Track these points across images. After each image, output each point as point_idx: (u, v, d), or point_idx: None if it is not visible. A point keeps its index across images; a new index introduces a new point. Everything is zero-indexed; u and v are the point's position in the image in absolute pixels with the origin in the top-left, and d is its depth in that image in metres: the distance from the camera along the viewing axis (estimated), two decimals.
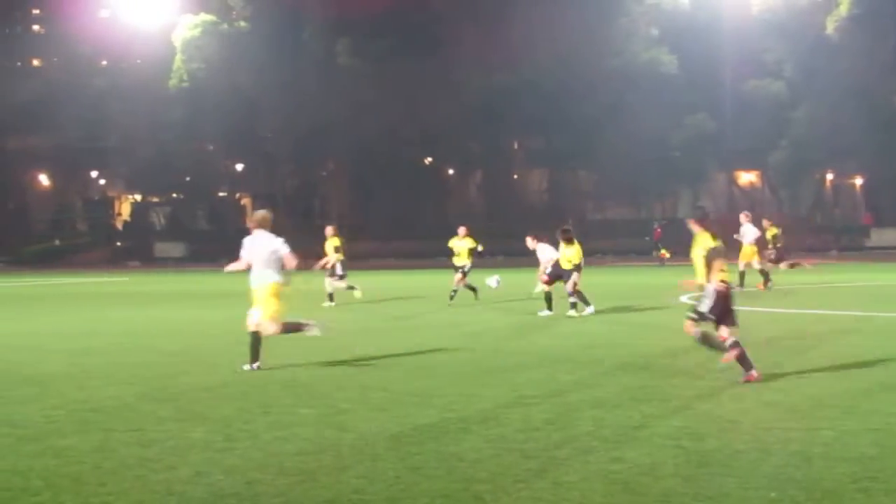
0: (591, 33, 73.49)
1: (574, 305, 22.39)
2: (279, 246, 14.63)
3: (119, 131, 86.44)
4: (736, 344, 12.30)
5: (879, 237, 73.69)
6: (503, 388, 12.15)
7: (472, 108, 76.69)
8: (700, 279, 12.68)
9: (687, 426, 9.62)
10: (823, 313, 22.45)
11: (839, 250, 68.70)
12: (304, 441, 9.25)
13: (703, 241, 12.79)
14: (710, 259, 12.52)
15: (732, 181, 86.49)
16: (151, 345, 16.94)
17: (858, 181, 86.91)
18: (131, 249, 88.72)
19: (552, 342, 17.43)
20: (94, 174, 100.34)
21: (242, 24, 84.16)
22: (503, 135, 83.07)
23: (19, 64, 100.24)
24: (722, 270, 12.48)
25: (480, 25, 74.53)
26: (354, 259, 73.06)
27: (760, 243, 31.79)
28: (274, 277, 14.47)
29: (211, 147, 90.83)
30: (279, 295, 14.48)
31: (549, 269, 22.81)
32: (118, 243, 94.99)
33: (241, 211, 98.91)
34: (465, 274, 27.12)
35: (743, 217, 32.17)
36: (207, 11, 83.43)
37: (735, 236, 31.14)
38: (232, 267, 15.15)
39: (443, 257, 65.65)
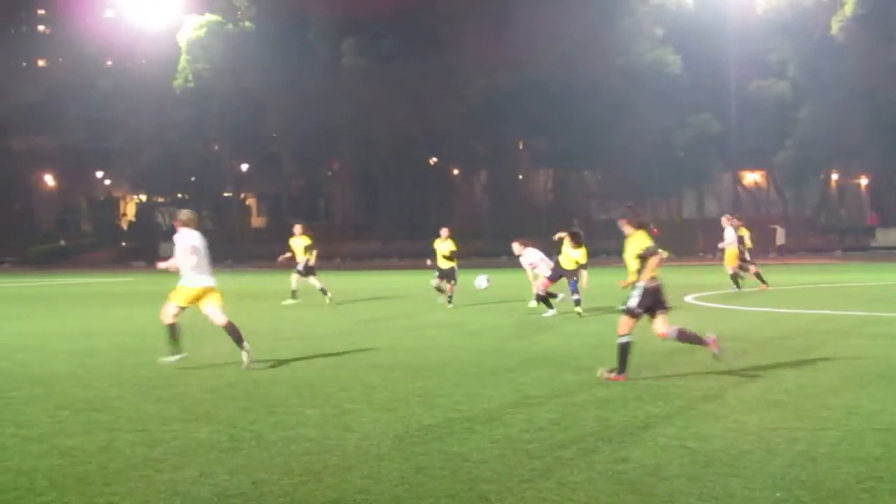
0: (595, 33, 73.42)
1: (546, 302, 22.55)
2: (203, 246, 14.79)
3: (124, 132, 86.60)
4: (680, 331, 12.76)
5: (885, 237, 73.58)
6: (507, 389, 12.15)
7: (476, 108, 76.68)
8: (633, 278, 12.85)
9: (692, 426, 9.62)
10: (828, 313, 22.43)
11: (844, 250, 68.68)
12: (309, 441, 9.25)
13: (638, 241, 12.93)
14: (646, 256, 12.69)
15: (737, 181, 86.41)
16: (156, 345, 16.91)
17: (864, 181, 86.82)
18: (136, 250, 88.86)
19: (556, 342, 17.42)
20: (99, 174, 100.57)
21: (248, 24, 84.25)
22: (508, 135, 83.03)
23: (24, 64, 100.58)
24: (654, 268, 12.65)
25: (484, 25, 74.46)
26: (359, 259, 73.62)
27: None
28: (205, 278, 14.69)
29: (216, 147, 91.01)
30: (209, 295, 14.70)
31: (548, 273, 22.84)
32: (123, 243, 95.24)
33: (247, 211, 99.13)
34: (452, 278, 26.41)
35: (724, 220, 32.20)
36: (213, 12, 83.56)
37: (720, 245, 31.40)
38: (164, 264, 15.31)
39: None
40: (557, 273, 22.70)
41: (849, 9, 70.46)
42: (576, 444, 8.95)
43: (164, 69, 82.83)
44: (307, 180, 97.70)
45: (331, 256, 76.65)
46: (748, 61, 73.27)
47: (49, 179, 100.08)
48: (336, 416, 10.49)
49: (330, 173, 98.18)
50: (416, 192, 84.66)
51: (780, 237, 66.89)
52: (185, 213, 15.04)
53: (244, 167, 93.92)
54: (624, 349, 12.70)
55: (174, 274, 14.71)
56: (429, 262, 27.34)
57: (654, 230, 61.58)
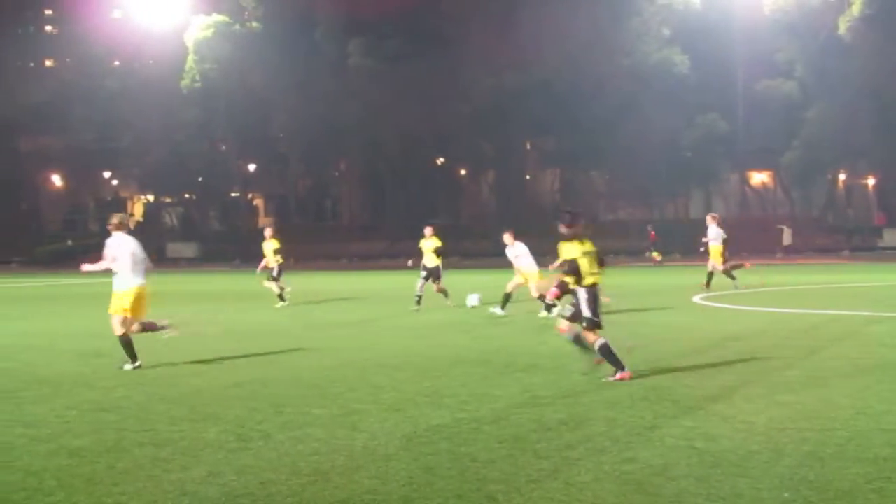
0: (602, 33, 73.33)
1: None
2: (138, 248, 15.12)
3: (131, 132, 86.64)
4: (604, 345, 12.79)
5: (892, 237, 73.31)
6: (515, 389, 12.16)
7: (483, 108, 76.59)
8: (551, 279, 13.04)
9: (699, 427, 9.62)
10: (835, 313, 22.40)
11: (851, 251, 68.51)
12: (316, 441, 9.27)
13: (565, 251, 13.03)
14: (563, 268, 12.92)
15: (745, 181, 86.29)
16: (163, 345, 16.95)
17: (871, 181, 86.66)
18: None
19: (564, 342, 17.39)
20: (106, 174, 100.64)
21: (255, 24, 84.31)
22: (515, 135, 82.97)
23: (32, 64, 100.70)
24: (592, 273, 12.80)
25: (491, 25, 74.40)
26: (367, 259, 73.57)
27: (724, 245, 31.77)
28: (139, 280, 14.90)
29: (223, 147, 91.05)
30: (143, 296, 14.95)
31: (534, 268, 23.12)
32: None
33: (254, 211, 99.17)
34: (437, 277, 26.23)
35: (709, 219, 32.32)
36: (220, 12, 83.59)
37: (703, 240, 31.66)
38: (91, 267, 15.56)
39: (455, 257, 65.99)
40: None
41: (856, 9, 70.28)
42: (583, 444, 8.95)
43: (171, 69, 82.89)
44: (314, 180, 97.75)
45: (338, 257, 76.70)
46: (755, 61, 73.11)
47: (56, 180, 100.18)
48: (344, 417, 10.51)
49: (337, 173, 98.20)
50: (424, 192, 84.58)
51: (787, 237, 66.79)
52: (117, 217, 15.34)
53: (251, 167, 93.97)
54: (606, 350, 12.79)
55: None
56: (409, 262, 27.24)
57: (651, 233, 61.11)
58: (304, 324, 22.38)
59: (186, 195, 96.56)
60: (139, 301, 14.87)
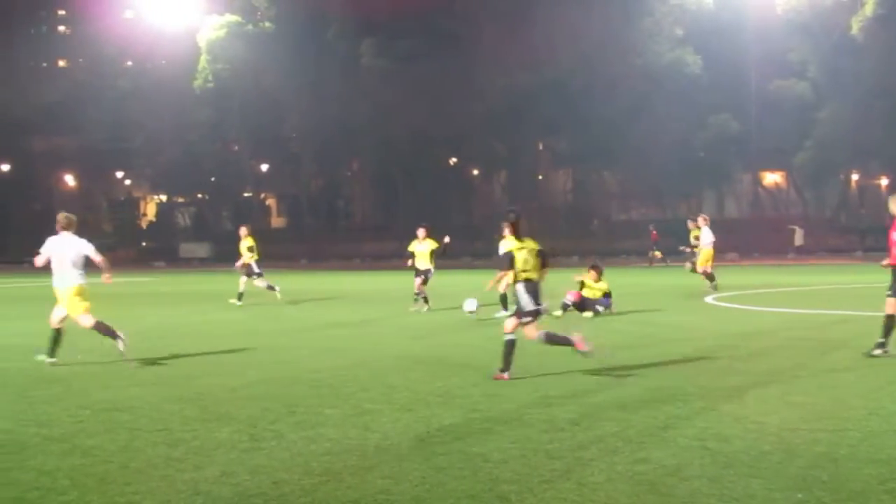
0: (614, 33, 73.36)
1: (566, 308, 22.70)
2: (85, 247, 15.48)
3: (144, 132, 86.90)
4: (547, 334, 13.41)
5: None
6: (527, 389, 12.15)
7: (495, 108, 76.64)
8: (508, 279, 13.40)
9: (712, 427, 9.61)
10: (847, 314, 22.35)
11: (864, 251, 68.33)
12: (329, 441, 9.27)
13: (506, 244, 13.54)
14: (509, 254, 13.22)
15: (757, 182, 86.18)
16: (176, 345, 16.98)
17: (884, 181, 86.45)
18: (156, 250, 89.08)
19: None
20: (119, 174, 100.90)
21: (267, 24, 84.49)
22: (527, 135, 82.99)
23: (45, 65, 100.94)
24: (525, 271, 13.14)
25: (503, 25, 74.47)
26: (378, 259, 73.54)
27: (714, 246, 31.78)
28: (79, 279, 15.41)
29: (236, 147, 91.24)
30: (84, 294, 15.47)
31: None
32: (143, 244, 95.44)
33: (267, 211, 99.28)
34: (426, 279, 25.70)
35: (701, 220, 32.26)
36: (232, 12, 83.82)
37: (695, 242, 31.73)
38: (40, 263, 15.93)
39: (467, 257, 65.94)
40: (583, 305, 22.97)
41: (869, 9, 70.17)
42: (596, 444, 8.95)
43: (183, 69, 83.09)
44: (326, 180, 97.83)
45: (350, 256, 76.78)
46: (768, 61, 73.01)
47: (69, 180, 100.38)
48: (356, 416, 10.51)
49: (349, 173, 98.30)
50: (436, 192, 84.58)
51: (799, 238, 66.67)
52: (63, 216, 15.75)
53: (264, 167, 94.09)
54: (510, 345, 13.15)
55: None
56: (409, 262, 26.77)
57: (653, 233, 61.16)
58: (316, 324, 22.39)
59: (199, 195, 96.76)
60: (72, 300, 15.32)
